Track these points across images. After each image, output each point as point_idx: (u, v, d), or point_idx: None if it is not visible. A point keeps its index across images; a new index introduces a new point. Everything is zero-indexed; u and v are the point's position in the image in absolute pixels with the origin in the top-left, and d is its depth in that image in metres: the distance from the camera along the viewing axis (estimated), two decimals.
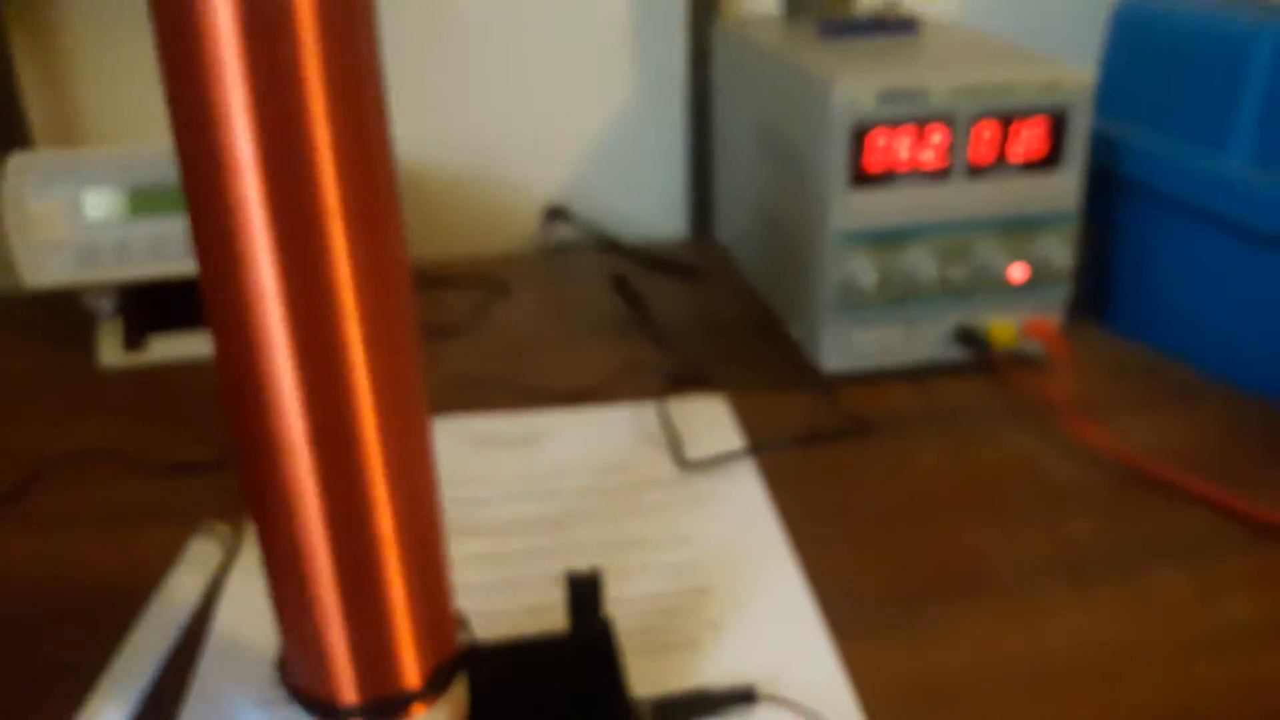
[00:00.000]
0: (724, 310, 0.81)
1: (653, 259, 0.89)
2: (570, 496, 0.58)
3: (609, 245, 0.92)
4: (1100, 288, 0.88)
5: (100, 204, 0.69)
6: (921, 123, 0.63)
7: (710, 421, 0.65)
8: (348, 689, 0.35)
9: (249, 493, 0.34)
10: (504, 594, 0.50)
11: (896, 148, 0.63)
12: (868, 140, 0.63)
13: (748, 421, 0.65)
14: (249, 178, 0.29)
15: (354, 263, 0.31)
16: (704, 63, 0.91)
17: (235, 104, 0.28)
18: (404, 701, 0.36)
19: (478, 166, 0.96)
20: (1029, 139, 0.65)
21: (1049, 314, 0.69)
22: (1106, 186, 0.84)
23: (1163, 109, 0.79)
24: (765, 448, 0.61)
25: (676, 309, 0.81)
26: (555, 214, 0.93)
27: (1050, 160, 0.65)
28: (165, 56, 0.29)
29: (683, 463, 0.60)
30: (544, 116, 0.95)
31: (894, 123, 0.63)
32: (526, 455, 0.62)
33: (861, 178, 0.64)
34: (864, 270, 0.65)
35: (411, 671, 0.36)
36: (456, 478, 0.60)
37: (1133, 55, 0.83)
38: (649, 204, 1.00)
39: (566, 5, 0.92)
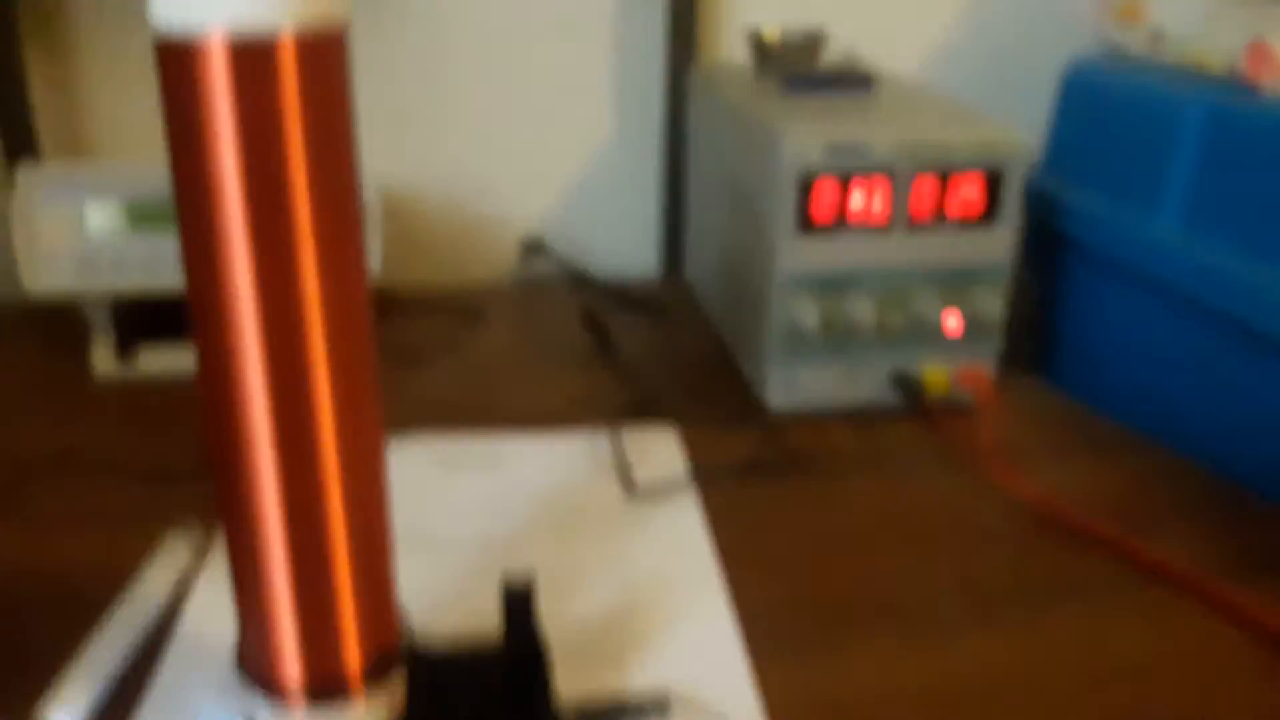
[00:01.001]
0: (686, 347, 0.85)
1: (622, 296, 0.93)
2: (521, 518, 0.62)
3: (581, 281, 0.96)
4: (1044, 341, 0.92)
5: (101, 217, 0.73)
6: (865, 175, 0.68)
7: (660, 452, 0.69)
8: (294, 670, 0.40)
9: (218, 487, 0.39)
10: (449, 606, 0.54)
11: (842, 199, 0.68)
12: (814, 190, 0.68)
13: (696, 453, 0.69)
14: (233, 204, 0.34)
15: (322, 286, 0.36)
16: (680, 106, 0.96)
17: (224, 144, 0.33)
18: (345, 685, 0.40)
19: (461, 198, 1.00)
20: (966, 195, 0.69)
21: (982, 364, 0.73)
22: (1050, 244, 0.89)
23: (1104, 171, 0.83)
24: (707, 479, 0.65)
25: (641, 344, 0.85)
26: (533, 248, 0.98)
27: (986, 217, 0.70)
28: (167, 102, 0.34)
29: (630, 490, 0.64)
30: (526, 152, 1.00)
31: (839, 174, 0.67)
32: (485, 477, 0.66)
33: (808, 226, 0.68)
34: (808, 313, 0.69)
35: (354, 658, 0.40)
36: (416, 496, 0.64)
37: (1080, 117, 0.88)
38: (624, 241, 1.05)
39: (550, 45, 0.97)
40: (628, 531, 0.61)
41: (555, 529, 0.61)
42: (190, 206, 0.35)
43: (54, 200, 0.72)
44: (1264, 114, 0.69)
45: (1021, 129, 0.70)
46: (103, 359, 0.77)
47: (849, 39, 1.01)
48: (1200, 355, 0.74)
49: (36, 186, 0.72)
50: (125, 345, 0.78)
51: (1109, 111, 0.83)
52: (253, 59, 0.33)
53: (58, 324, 0.85)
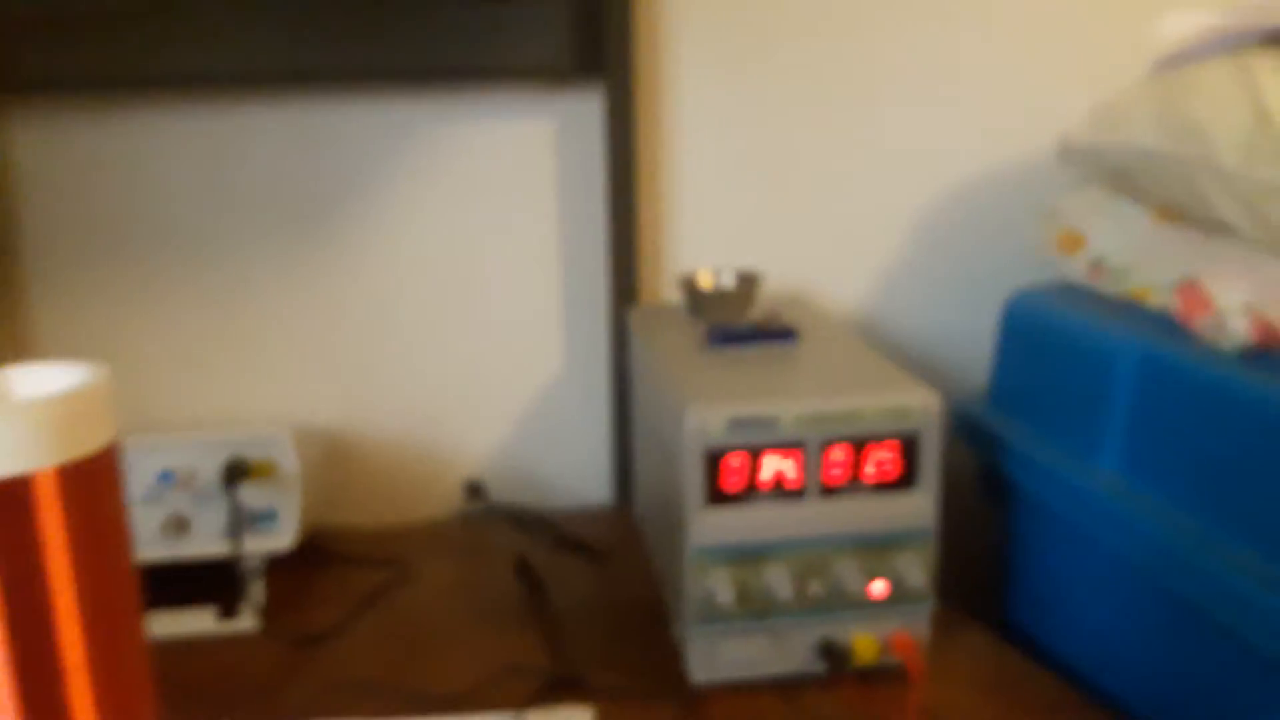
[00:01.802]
0: (624, 596, 0.83)
1: (562, 539, 0.91)
2: None
3: (524, 522, 0.94)
4: (1000, 581, 0.89)
5: None
6: (773, 448, 0.66)
7: None
8: None
9: None
10: None
11: (750, 469, 0.66)
12: (722, 463, 0.66)
13: None
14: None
15: None
16: (623, 346, 0.96)
17: None
18: None
19: (410, 439, 1.00)
20: (881, 461, 0.67)
21: (914, 628, 0.70)
22: (997, 483, 0.86)
23: (1044, 410, 0.81)
24: None
25: (579, 592, 0.83)
26: (473, 490, 0.97)
27: (904, 481, 0.68)
28: None
29: None
30: (476, 390, 1.00)
31: (745, 447, 0.66)
32: None
33: (717, 496, 0.67)
34: (722, 586, 0.67)
35: None
36: None
37: (1020, 353, 0.86)
38: (577, 475, 1.03)
39: (499, 285, 0.98)
40: None
41: None
42: None
43: None
44: (1195, 365, 0.67)
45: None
46: None
47: (798, 274, 1.01)
48: (1139, 614, 0.70)
49: None
50: None
51: (1046, 349, 0.82)
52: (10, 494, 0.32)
53: None
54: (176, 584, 0.82)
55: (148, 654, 0.37)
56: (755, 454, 0.66)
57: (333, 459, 0.98)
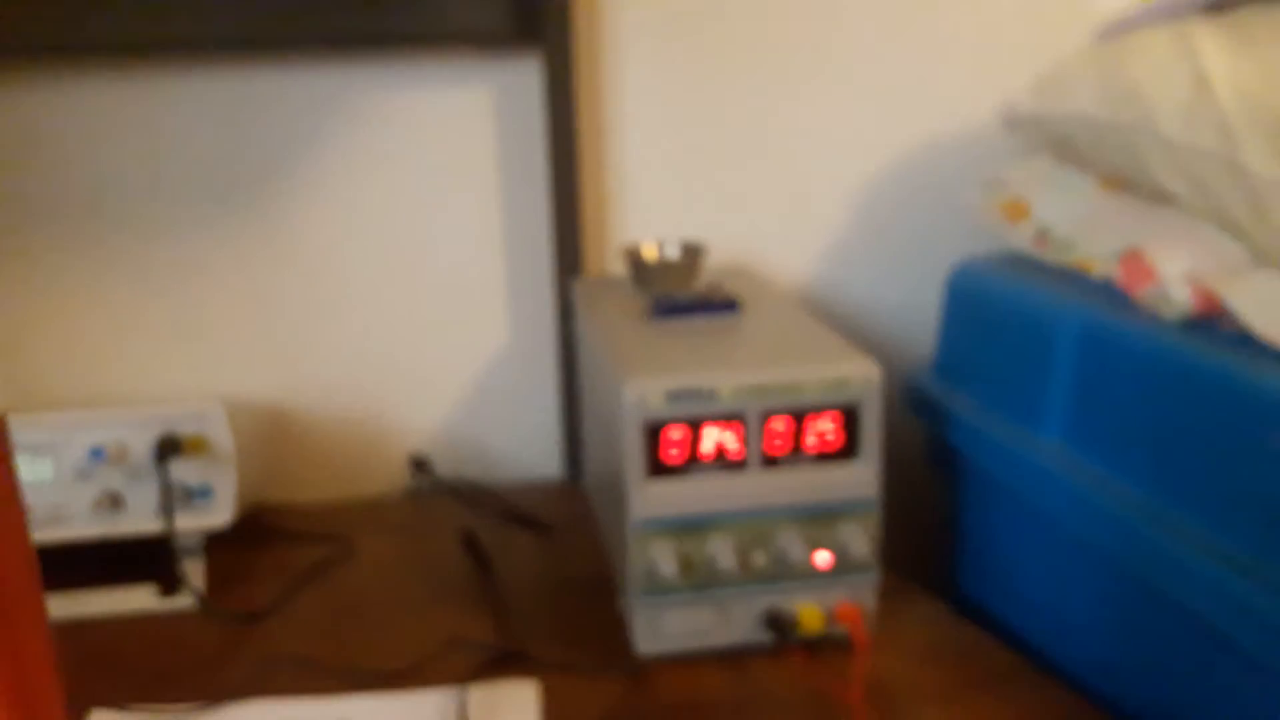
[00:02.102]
0: (571, 569, 0.82)
1: (508, 512, 0.90)
2: None
3: (472, 495, 0.93)
4: (950, 553, 0.89)
5: None
6: (713, 419, 0.65)
7: (513, 713, 0.65)
8: None
9: None
10: None
11: (691, 440, 0.66)
12: (663, 434, 0.65)
13: (558, 708, 0.65)
14: None
15: None
16: (569, 318, 0.95)
17: None
18: None
19: (355, 414, 0.98)
20: (822, 432, 0.67)
21: (861, 597, 0.70)
22: (944, 453, 0.86)
23: (988, 380, 0.81)
24: None
25: (526, 566, 0.82)
26: (418, 464, 0.96)
27: (845, 452, 0.67)
28: None
29: None
30: (422, 363, 0.99)
31: (685, 419, 0.65)
32: None
33: (658, 468, 0.66)
34: (665, 558, 0.66)
35: None
36: None
37: (964, 323, 0.86)
38: (526, 448, 1.02)
39: (441, 256, 0.96)
40: None
41: None
42: None
43: None
44: (1134, 330, 0.67)
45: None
46: None
47: (744, 247, 1.00)
48: (1084, 583, 0.70)
49: None
50: None
51: (990, 319, 0.82)
52: None
53: None
54: (114, 562, 0.81)
55: (49, 635, 0.36)
56: (695, 426, 0.66)
57: (273, 435, 0.96)
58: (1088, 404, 0.71)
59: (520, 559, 0.84)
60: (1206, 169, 0.67)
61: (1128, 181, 0.78)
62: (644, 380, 0.65)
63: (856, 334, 1.04)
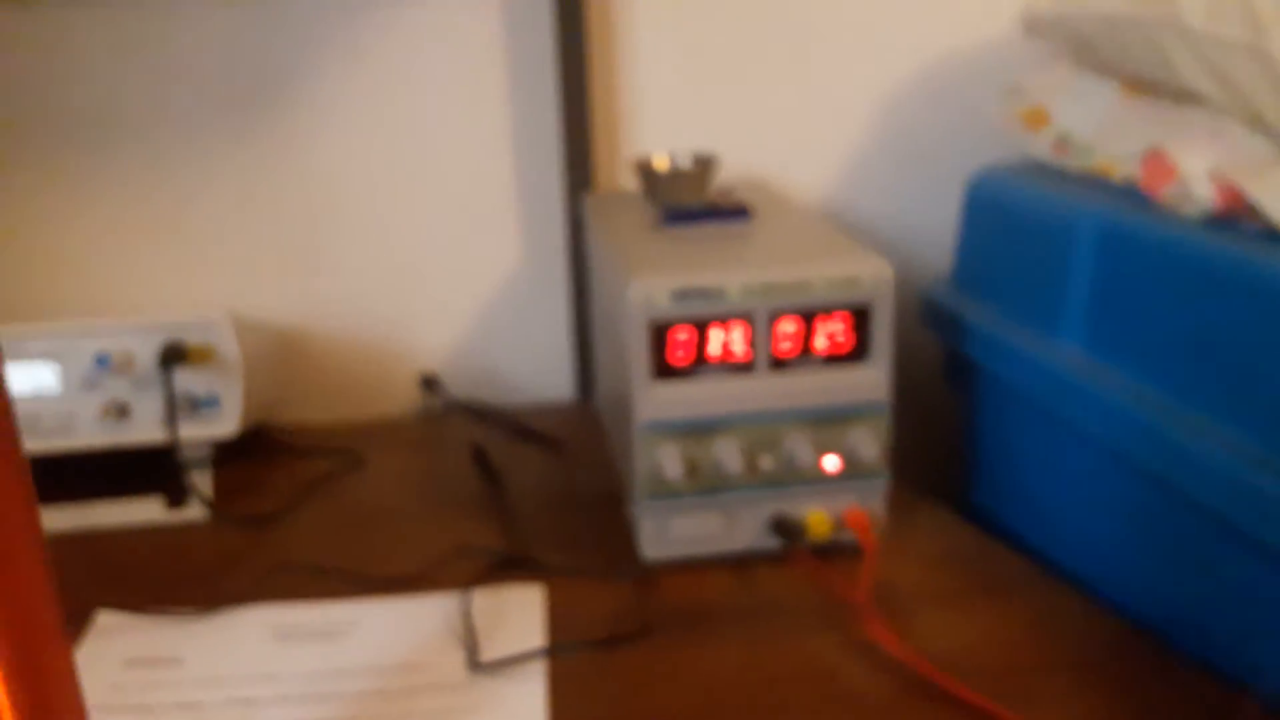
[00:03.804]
0: (581, 484, 0.81)
1: (519, 429, 0.90)
2: (348, 700, 0.58)
3: (482, 414, 0.93)
4: (965, 464, 0.88)
5: None
6: (720, 320, 0.64)
7: (520, 614, 0.65)
8: None
9: None
10: None
11: (698, 342, 0.64)
12: (669, 335, 0.64)
13: (564, 611, 0.65)
14: None
15: None
16: (580, 237, 0.93)
17: None
18: None
19: (367, 334, 0.98)
20: (832, 333, 0.65)
21: (870, 503, 0.69)
22: (961, 364, 0.85)
23: (1006, 288, 0.80)
24: (558, 651, 0.61)
25: (536, 481, 0.82)
26: (429, 383, 0.95)
27: (856, 354, 0.66)
28: None
29: (474, 665, 0.60)
30: (432, 284, 0.98)
31: (692, 320, 0.64)
32: (321, 651, 0.62)
33: (665, 370, 0.65)
34: (671, 460, 0.65)
35: None
36: (242, 675, 0.60)
37: (982, 232, 0.84)
38: (538, 369, 1.02)
39: (451, 175, 0.95)
40: (461, 715, 0.56)
41: (381, 714, 0.56)
42: None
43: None
44: (1155, 229, 0.65)
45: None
46: None
47: (759, 161, 0.99)
48: (1105, 490, 0.69)
49: None
50: None
51: (1008, 226, 0.80)
52: None
53: None
54: (122, 474, 0.81)
55: (44, 545, 0.35)
56: (702, 326, 0.64)
57: (282, 354, 0.96)
58: (1107, 307, 0.69)
59: (530, 474, 0.83)
60: (1233, 60, 0.65)
61: (1150, 82, 0.75)
62: (650, 280, 0.64)
63: (875, 247, 1.02)
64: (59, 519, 0.75)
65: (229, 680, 0.59)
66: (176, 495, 0.77)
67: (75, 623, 0.65)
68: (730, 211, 0.76)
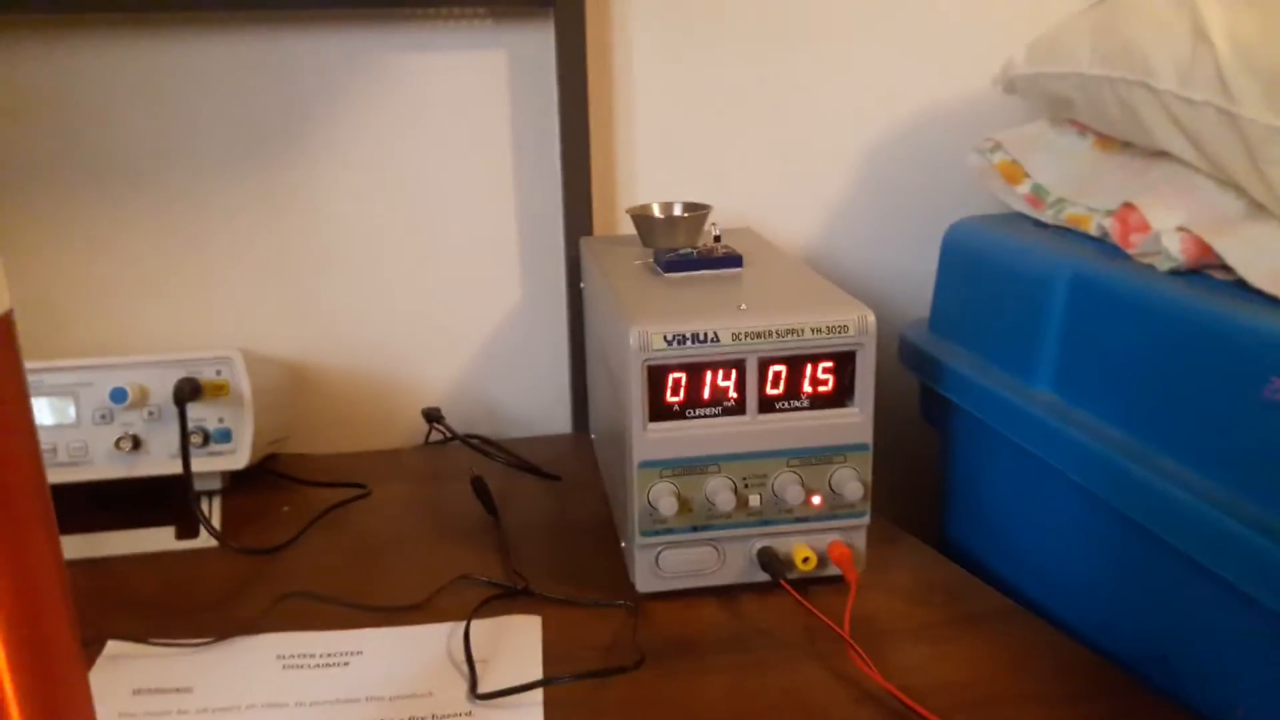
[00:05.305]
0: (577, 515, 0.85)
1: (517, 461, 0.93)
2: None
3: (480, 446, 0.96)
4: (942, 498, 0.91)
5: None
6: (713, 365, 0.67)
7: (520, 644, 0.67)
8: None
9: None
10: None
11: (691, 384, 0.68)
12: (664, 379, 0.67)
13: (561, 640, 0.67)
14: None
15: None
16: (579, 281, 0.97)
17: None
18: None
19: (367, 368, 1.01)
20: (818, 378, 0.69)
21: (853, 538, 0.72)
22: (937, 405, 0.88)
23: (982, 333, 0.83)
24: (556, 682, 0.64)
25: (533, 512, 0.85)
26: (431, 416, 0.98)
27: (840, 397, 0.69)
28: None
29: (475, 695, 0.62)
30: (434, 320, 1.01)
31: (686, 364, 0.67)
32: (327, 679, 0.64)
33: (660, 411, 0.68)
34: (665, 498, 0.68)
35: None
36: (248, 704, 0.62)
37: (958, 278, 0.88)
38: (537, 405, 1.05)
39: (455, 217, 0.99)
40: None
41: None
42: None
43: None
44: (1127, 280, 0.68)
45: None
46: None
47: (749, 209, 1.02)
48: (1074, 528, 0.72)
49: None
50: None
51: (983, 272, 0.83)
52: None
53: None
54: (135, 506, 0.83)
55: (65, 574, 0.37)
56: (696, 371, 0.68)
57: (290, 389, 0.99)
58: (1079, 353, 0.73)
59: (528, 505, 0.86)
60: (1203, 121, 0.68)
61: (1123, 138, 0.79)
62: (648, 325, 0.67)
63: (856, 293, 1.05)
64: (71, 548, 0.78)
65: (236, 709, 0.62)
66: (187, 527, 0.80)
67: (85, 650, 0.67)
68: (724, 260, 0.79)
